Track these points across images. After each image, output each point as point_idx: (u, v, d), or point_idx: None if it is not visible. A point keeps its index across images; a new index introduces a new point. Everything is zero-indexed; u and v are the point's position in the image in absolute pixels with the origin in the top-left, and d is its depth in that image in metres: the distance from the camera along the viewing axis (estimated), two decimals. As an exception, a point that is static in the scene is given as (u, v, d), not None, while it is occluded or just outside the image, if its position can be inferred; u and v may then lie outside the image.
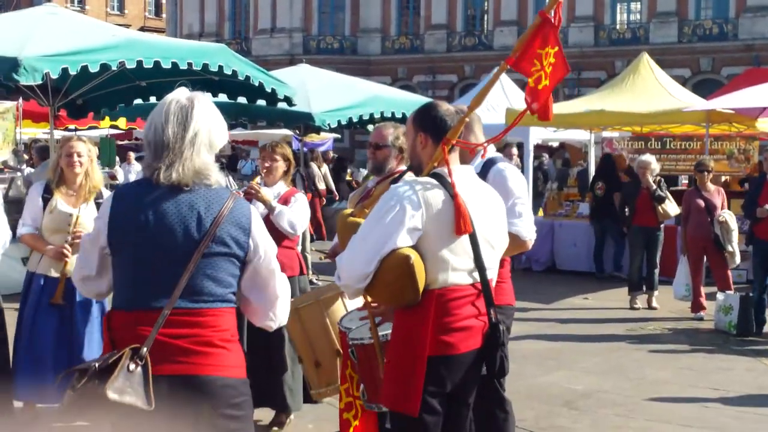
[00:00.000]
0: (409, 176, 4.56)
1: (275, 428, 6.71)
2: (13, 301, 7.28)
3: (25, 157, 17.29)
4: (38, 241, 6.48)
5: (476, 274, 4.08)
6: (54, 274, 6.50)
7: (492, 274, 4.18)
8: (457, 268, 4.03)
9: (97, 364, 3.18)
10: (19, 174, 14.43)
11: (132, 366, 3.17)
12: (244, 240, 3.39)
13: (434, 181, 4.07)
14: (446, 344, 4.01)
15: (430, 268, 3.98)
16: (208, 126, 3.44)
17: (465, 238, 4.02)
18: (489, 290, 4.12)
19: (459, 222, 3.97)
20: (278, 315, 3.55)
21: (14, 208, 7.53)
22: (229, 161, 26.40)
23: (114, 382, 3.13)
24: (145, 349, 3.21)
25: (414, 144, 4.27)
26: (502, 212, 4.31)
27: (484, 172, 4.96)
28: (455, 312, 4.02)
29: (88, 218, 6.42)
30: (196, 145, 3.39)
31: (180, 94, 3.48)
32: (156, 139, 3.39)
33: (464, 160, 4.46)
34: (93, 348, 6.54)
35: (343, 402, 5.37)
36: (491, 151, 5.12)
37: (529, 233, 4.89)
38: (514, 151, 16.91)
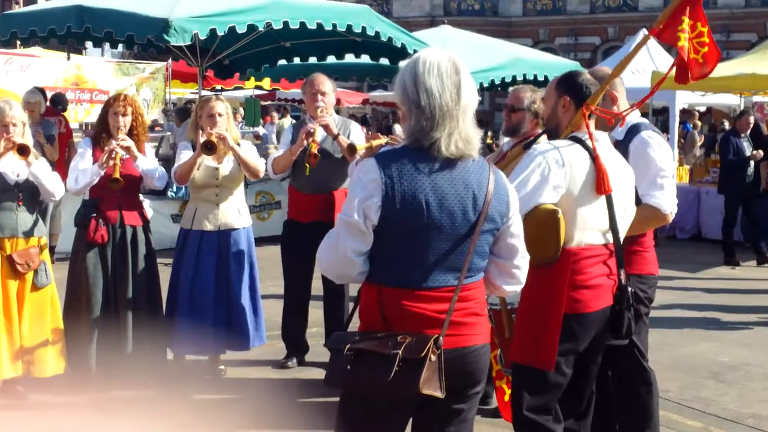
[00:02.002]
0: (544, 140, 4.55)
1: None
2: (163, 256, 7.53)
3: (174, 116, 17.81)
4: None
5: (609, 235, 4.20)
6: (209, 227, 6.73)
7: (622, 237, 4.27)
8: (592, 227, 4.16)
9: (399, 352, 3.09)
10: (169, 133, 14.84)
11: (433, 357, 3.13)
12: (505, 212, 3.34)
13: (575, 143, 4.18)
14: (578, 302, 4.13)
15: (569, 227, 4.09)
16: (473, 92, 3.28)
17: (602, 200, 4.14)
18: (621, 251, 4.23)
19: (600, 182, 4.10)
20: (521, 276, 3.47)
21: (164, 165, 7.73)
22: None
23: (424, 375, 3.09)
24: (441, 338, 3.16)
25: (555, 106, 4.38)
26: (632, 179, 4.40)
27: (628, 139, 4.87)
28: (587, 271, 4.15)
29: (229, 170, 6.79)
30: (468, 114, 3.23)
31: (440, 56, 3.26)
32: (432, 103, 3.18)
33: (604, 126, 4.51)
34: (246, 302, 6.78)
35: (494, 370, 5.38)
36: (636, 117, 4.99)
37: (670, 206, 4.77)
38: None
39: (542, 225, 4.00)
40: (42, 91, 11.73)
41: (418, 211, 3.16)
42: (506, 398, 5.42)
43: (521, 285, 3.49)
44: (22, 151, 6.06)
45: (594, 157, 4.11)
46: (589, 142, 4.16)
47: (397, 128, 20.15)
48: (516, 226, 3.40)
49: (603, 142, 4.28)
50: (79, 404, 6.30)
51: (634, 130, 4.92)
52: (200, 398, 6.50)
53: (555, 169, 4.06)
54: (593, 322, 4.18)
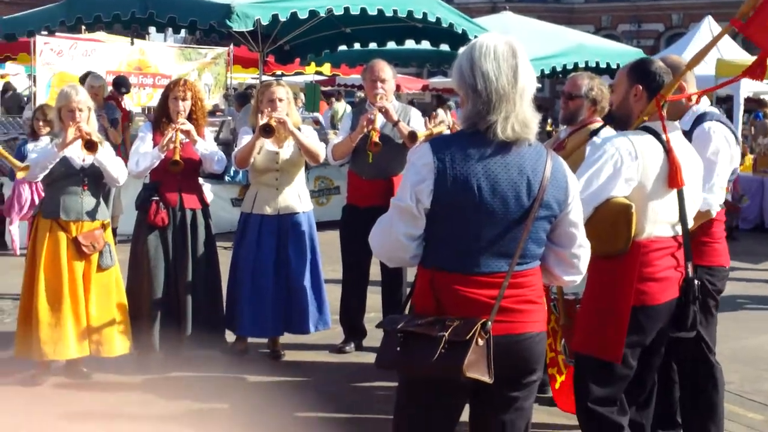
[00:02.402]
0: (608, 130, 4.51)
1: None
2: (222, 240, 7.61)
3: (234, 101, 17.94)
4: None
5: (678, 227, 4.16)
6: (269, 211, 6.79)
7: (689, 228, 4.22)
8: (663, 220, 4.11)
9: (446, 334, 3.12)
10: (229, 118, 14.96)
11: (480, 341, 3.15)
12: (563, 199, 3.32)
13: (648, 134, 4.10)
14: (646, 294, 4.09)
15: (639, 219, 4.04)
16: (531, 76, 3.28)
17: (673, 192, 4.08)
18: (689, 243, 4.19)
19: (674, 176, 4.03)
20: (581, 266, 3.45)
21: (224, 150, 7.82)
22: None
23: (468, 358, 3.11)
24: (490, 323, 3.17)
25: (627, 95, 4.27)
26: (701, 170, 4.33)
27: (692, 128, 4.81)
28: (656, 263, 4.11)
29: (290, 154, 6.82)
30: (525, 97, 3.23)
31: (497, 40, 3.27)
32: (489, 87, 3.18)
33: (673, 116, 4.43)
34: (308, 285, 6.82)
35: (548, 357, 5.34)
36: (705, 106, 4.92)
37: (716, 204, 4.68)
38: None
39: (615, 219, 3.97)
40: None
41: (470, 195, 3.17)
42: (557, 386, 5.41)
43: (581, 275, 3.46)
44: (90, 146, 6.15)
45: (668, 150, 4.05)
46: (662, 134, 4.10)
47: (440, 112, 20.00)
48: (575, 214, 3.36)
49: (675, 133, 4.21)
50: (141, 384, 6.41)
51: (700, 119, 4.84)
52: (257, 380, 6.56)
53: (628, 161, 4.00)
54: (660, 314, 4.15)
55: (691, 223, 4.24)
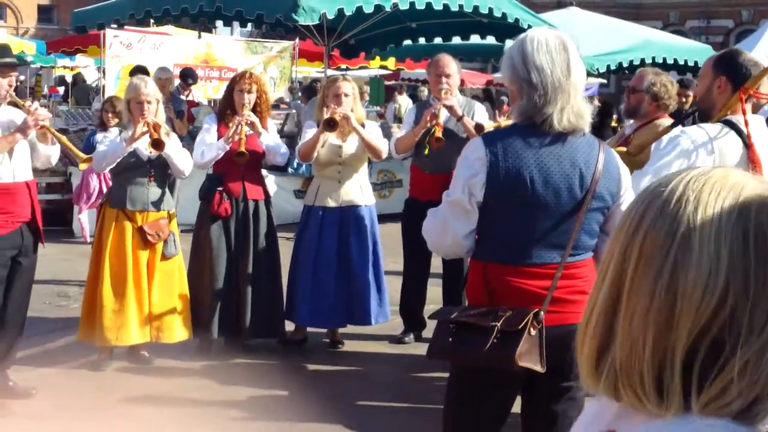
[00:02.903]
0: (679, 129, 4.43)
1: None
2: (284, 231, 7.69)
3: (299, 94, 18.03)
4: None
5: None
6: (332, 204, 6.84)
7: None
8: None
9: (498, 324, 3.16)
10: (294, 111, 15.07)
11: (533, 331, 3.19)
12: (616, 191, 3.33)
13: (728, 128, 3.96)
14: None
15: None
16: (582, 69, 3.29)
17: None
18: None
19: (753, 171, 3.83)
20: None
21: (288, 143, 7.89)
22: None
23: (521, 347, 3.16)
24: (542, 313, 3.21)
25: (710, 87, 4.14)
26: None
27: None
28: None
29: (354, 149, 6.85)
30: (579, 88, 3.25)
31: (547, 33, 3.32)
32: (544, 80, 3.19)
33: (755, 108, 4.31)
34: (370, 278, 6.87)
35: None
36: None
37: None
38: None
39: None
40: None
41: (523, 187, 3.20)
42: None
43: None
44: (157, 145, 6.25)
45: (748, 145, 3.93)
46: (743, 128, 3.96)
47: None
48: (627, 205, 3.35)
49: (758, 126, 4.07)
50: (200, 370, 6.52)
51: None
52: (316, 369, 6.64)
53: (703, 155, 3.90)
54: None
55: None
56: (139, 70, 11.42)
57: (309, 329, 7.12)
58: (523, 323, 3.14)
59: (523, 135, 3.25)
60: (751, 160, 3.89)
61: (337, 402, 5.95)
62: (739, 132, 3.95)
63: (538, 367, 3.17)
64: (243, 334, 6.85)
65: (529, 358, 3.15)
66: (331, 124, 6.54)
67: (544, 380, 3.27)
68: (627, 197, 3.35)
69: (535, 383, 3.32)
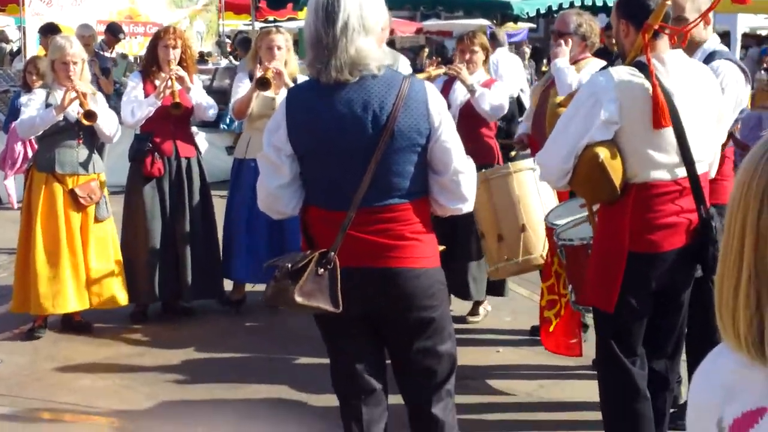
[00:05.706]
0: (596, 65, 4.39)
1: (470, 318, 6.74)
2: (216, 188, 7.56)
3: (228, 49, 17.70)
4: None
5: (681, 170, 3.82)
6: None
7: (704, 168, 3.92)
8: (659, 163, 3.79)
9: (289, 265, 3.26)
10: (223, 65, 14.82)
11: (320, 270, 3.22)
12: (425, 126, 3.26)
13: (635, 71, 3.78)
14: (649, 242, 3.84)
15: (631, 163, 3.77)
16: (357, 10, 3.22)
17: (669, 132, 3.74)
18: (698, 185, 3.86)
19: (656, 115, 3.70)
20: (465, 194, 3.39)
21: (218, 98, 7.72)
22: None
23: (303, 286, 3.21)
24: (332, 253, 3.24)
25: (617, 32, 4.00)
26: (717, 101, 4.00)
27: None
28: (657, 209, 3.83)
29: None
30: (348, 34, 3.20)
31: None
32: (310, 38, 3.26)
33: (688, 51, 4.19)
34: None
35: (545, 299, 5.32)
36: (715, 44, 4.74)
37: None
38: None
39: (590, 169, 3.73)
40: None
41: (319, 136, 3.26)
42: (551, 329, 5.37)
43: (465, 202, 3.41)
44: (89, 116, 6.08)
45: (652, 86, 3.70)
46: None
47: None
48: (447, 137, 3.31)
49: (675, 64, 3.87)
50: (141, 335, 6.45)
51: (709, 58, 4.57)
52: (256, 327, 6.62)
53: (606, 104, 3.72)
54: (665, 261, 3.87)
55: (714, 166, 4.03)
56: (49, 29, 11.11)
57: (247, 288, 7.03)
58: (304, 262, 3.22)
59: (317, 87, 3.30)
60: (653, 101, 3.70)
61: (279, 362, 5.91)
62: (645, 73, 3.75)
63: (329, 307, 3.23)
64: (183, 296, 6.75)
65: (315, 299, 3.22)
66: (263, 83, 6.40)
67: (383, 327, 3.43)
68: (444, 131, 3.29)
69: (383, 322, 3.42)
